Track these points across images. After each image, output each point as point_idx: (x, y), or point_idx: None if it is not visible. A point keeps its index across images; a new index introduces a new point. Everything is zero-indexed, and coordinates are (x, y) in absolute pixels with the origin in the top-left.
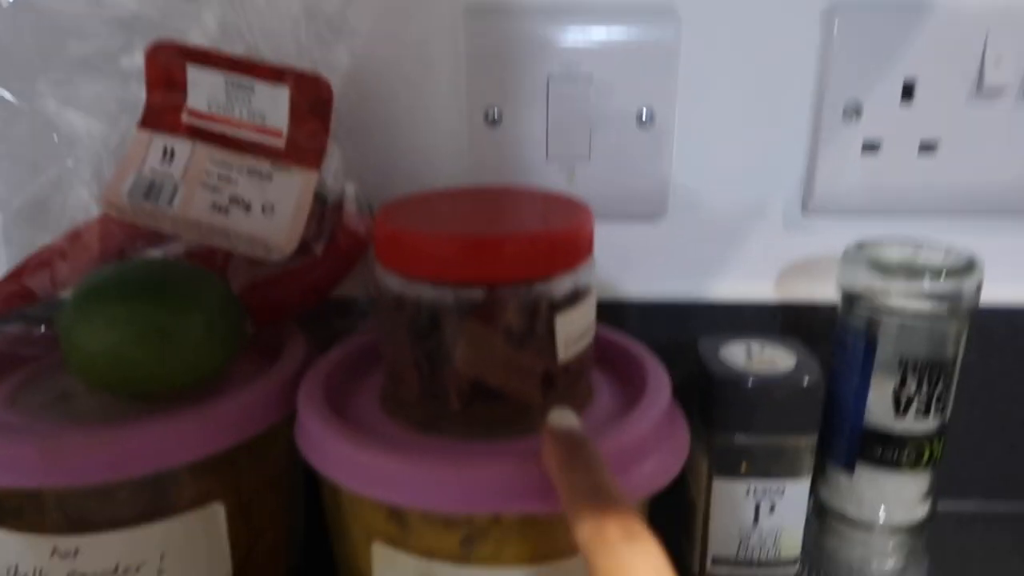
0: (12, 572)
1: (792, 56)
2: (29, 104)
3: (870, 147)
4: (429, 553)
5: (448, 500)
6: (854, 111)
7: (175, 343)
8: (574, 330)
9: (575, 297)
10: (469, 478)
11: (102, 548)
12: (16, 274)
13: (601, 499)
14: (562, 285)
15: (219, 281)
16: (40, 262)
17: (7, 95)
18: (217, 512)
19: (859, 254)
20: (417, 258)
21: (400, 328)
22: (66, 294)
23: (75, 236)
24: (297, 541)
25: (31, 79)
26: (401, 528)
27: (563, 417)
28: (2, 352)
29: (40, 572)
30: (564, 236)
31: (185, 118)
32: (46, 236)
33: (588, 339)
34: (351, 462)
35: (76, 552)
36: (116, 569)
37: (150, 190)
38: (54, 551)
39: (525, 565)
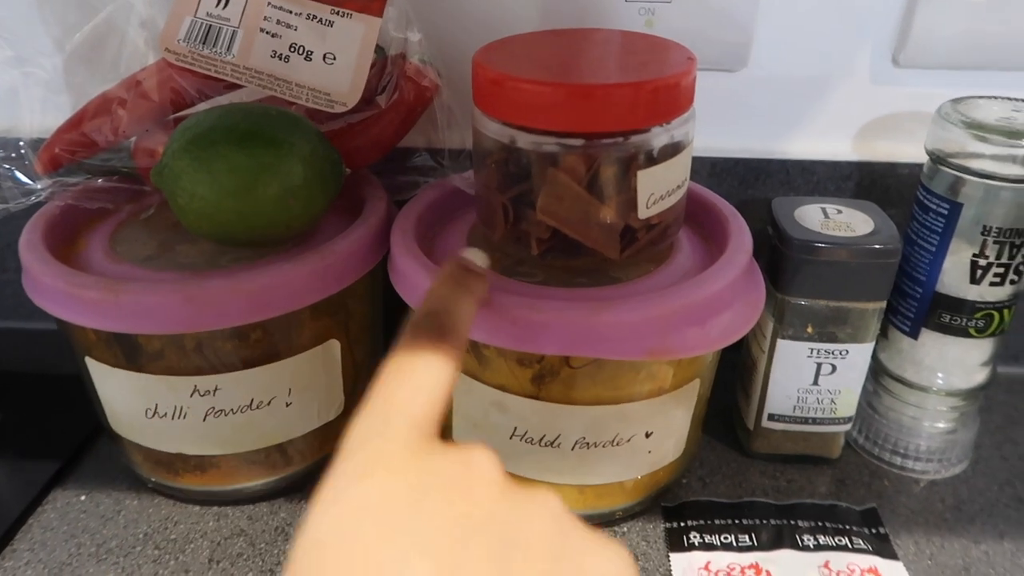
0: (152, 412)
1: None
2: None
3: None
4: (503, 386)
5: (521, 340)
6: None
7: (293, 184)
8: (660, 187)
9: (670, 151)
10: (542, 322)
11: (238, 385)
12: (75, 122)
13: (446, 309)
14: (658, 138)
15: (312, 125)
16: (99, 110)
17: None
18: (334, 347)
19: (953, 111)
20: (516, 105)
21: (492, 172)
22: (128, 143)
23: (134, 84)
24: None
25: None
26: (479, 362)
27: (475, 255)
28: (70, 206)
29: (180, 410)
30: (666, 86)
31: None
32: (100, 83)
33: (678, 196)
34: None
35: (215, 390)
36: (251, 404)
37: (207, 35)
38: (194, 390)
39: (589, 405)
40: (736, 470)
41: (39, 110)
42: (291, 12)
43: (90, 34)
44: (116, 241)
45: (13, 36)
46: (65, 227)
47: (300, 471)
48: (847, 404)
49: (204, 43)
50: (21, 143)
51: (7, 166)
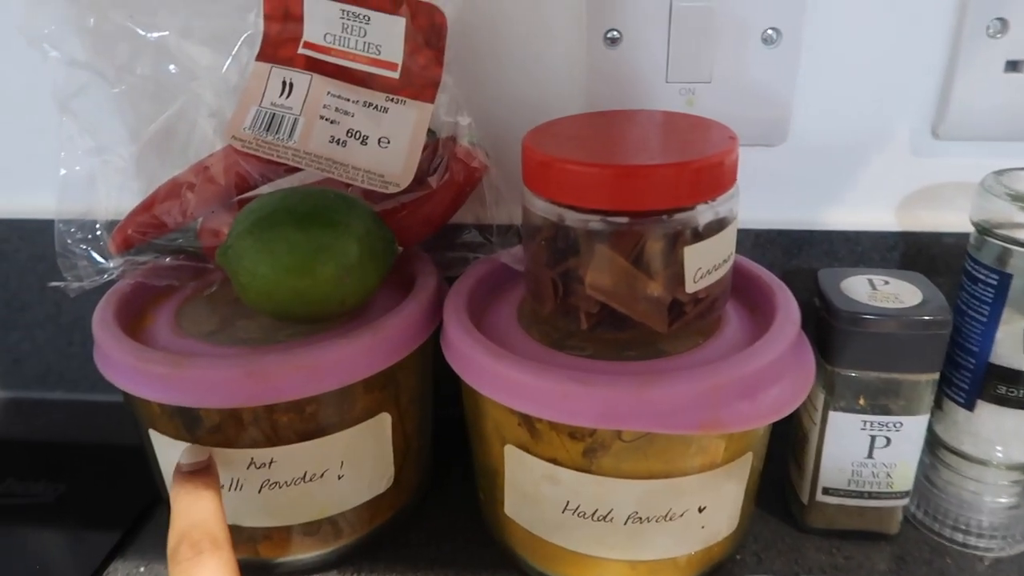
0: None
1: None
2: (152, 36)
3: (1014, 66)
4: (555, 459)
5: (572, 414)
6: (999, 26)
7: (349, 263)
8: (707, 261)
9: (715, 227)
10: (595, 395)
11: (293, 458)
12: (147, 205)
13: (190, 523)
14: (703, 215)
15: (367, 205)
16: (169, 194)
17: (135, 27)
18: (385, 420)
19: (996, 183)
20: (564, 186)
21: (541, 248)
22: (195, 224)
23: (201, 169)
24: (430, 451)
25: (152, 11)
26: (531, 435)
27: (194, 453)
28: (140, 283)
29: (237, 482)
30: (709, 165)
31: (302, 50)
32: (171, 168)
33: (724, 270)
34: (490, 372)
35: (271, 463)
36: (304, 476)
37: (271, 123)
38: (251, 462)
39: (641, 479)
40: (791, 546)
41: (115, 195)
42: (348, 100)
43: (163, 124)
44: (181, 316)
45: (94, 128)
46: (134, 304)
47: (350, 543)
48: (903, 478)
49: (268, 130)
50: (97, 225)
51: (84, 246)
